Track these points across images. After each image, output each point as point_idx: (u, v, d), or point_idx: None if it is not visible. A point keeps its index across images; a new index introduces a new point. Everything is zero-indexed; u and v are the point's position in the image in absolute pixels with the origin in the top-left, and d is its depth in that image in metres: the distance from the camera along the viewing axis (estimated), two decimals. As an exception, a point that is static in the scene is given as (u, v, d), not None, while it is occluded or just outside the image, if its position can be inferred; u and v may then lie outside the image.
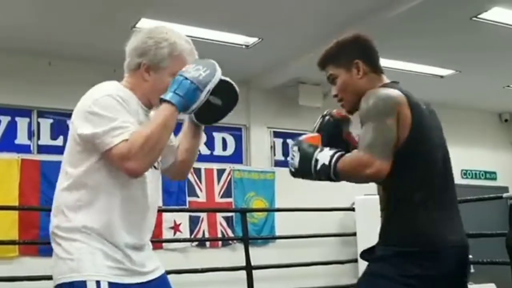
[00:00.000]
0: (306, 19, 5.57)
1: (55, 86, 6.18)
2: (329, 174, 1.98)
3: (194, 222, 6.81)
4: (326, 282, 6.95)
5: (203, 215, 6.86)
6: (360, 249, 7.66)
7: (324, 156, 1.99)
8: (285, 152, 7.67)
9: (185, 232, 6.76)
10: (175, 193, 6.73)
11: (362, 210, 6.95)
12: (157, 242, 6.56)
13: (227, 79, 2.08)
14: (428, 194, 2.01)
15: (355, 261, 6.89)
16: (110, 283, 1.78)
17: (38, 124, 6.27)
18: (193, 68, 1.89)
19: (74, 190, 1.85)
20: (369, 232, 7.15)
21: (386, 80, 2.18)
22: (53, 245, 1.88)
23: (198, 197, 6.95)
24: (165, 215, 6.67)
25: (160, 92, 1.88)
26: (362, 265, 7.31)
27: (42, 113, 6.30)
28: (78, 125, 1.83)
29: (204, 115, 2.10)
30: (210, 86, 1.87)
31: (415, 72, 7.14)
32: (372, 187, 8.34)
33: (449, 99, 8.42)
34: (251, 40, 6.05)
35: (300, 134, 8.00)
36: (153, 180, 1.96)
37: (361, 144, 1.96)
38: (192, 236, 6.79)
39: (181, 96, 1.82)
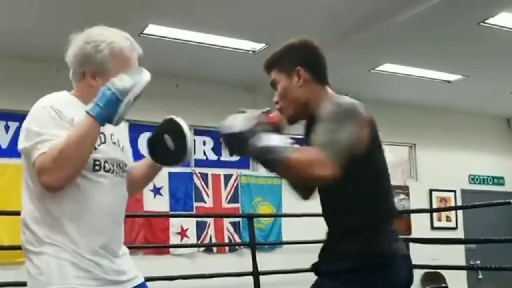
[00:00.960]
0: (313, 25, 5.57)
1: (63, 92, 6.23)
2: (275, 158, 1.75)
3: (201, 228, 6.82)
4: (334, 287, 6.93)
5: (210, 220, 6.87)
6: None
7: (274, 140, 1.78)
8: (292, 158, 7.66)
9: (192, 238, 6.76)
10: (182, 199, 6.74)
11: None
12: (164, 247, 6.59)
13: (181, 124, 1.99)
14: (380, 206, 1.96)
15: (363, 266, 6.86)
16: None
17: (46, 129, 6.30)
18: (118, 78, 1.81)
19: (35, 201, 1.87)
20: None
21: (331, 92, 2.06)
22: (26, 261, 1.87)
23: (205, 202, 6.95)
24: (172, 221, 6.68)
25: None
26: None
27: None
28: (19, 140, 1.89)
29: (160, 155, 2.09)
30: (130, 96, 1.78)
31: (423, 77, 7.13)
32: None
33: (456, 104, 8.41)
34: (258, 46, 6.06)
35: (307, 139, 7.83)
36: (112, 187, 1.90)
37: (320, 143, 1.80)
38: (199, 242, 6.79)
39: (101, 107, 1.75)
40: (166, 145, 2.00)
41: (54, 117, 1.81)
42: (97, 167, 1.85)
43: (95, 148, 1.84)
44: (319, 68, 2.07)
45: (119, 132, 2.00)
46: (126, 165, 1.99)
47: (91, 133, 1.77)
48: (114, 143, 1.96)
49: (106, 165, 1.88)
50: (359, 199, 1.93)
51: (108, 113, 1.76)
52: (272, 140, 1.78)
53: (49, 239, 1.81)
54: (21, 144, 1.86)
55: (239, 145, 1.80)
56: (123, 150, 2.01)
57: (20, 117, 6.39)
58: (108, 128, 1.88)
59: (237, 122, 1.79)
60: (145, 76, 1.85)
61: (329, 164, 1.76)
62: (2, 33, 5.51)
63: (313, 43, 2.11)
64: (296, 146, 1.85)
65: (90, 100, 1.82)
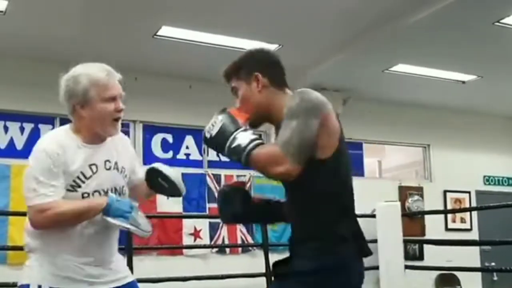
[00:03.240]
0: (326, 26, 5.57)
1: (77, 94, 6.27)
2: (240, 157, 1.91)
3: (214, 228, 6.82)
4: (347, 289, 6.90)
5: (218, 221, 6.86)
6: (381, 256, 7.59)
7: (243, 137, 1.91)
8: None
9: (205, 239, 6.77)
10: (195, 200, 6.75)
11: (383, 217, 6.90)
12: (178, 248, 6.60)
13: (164, 171, 2.31)
14: (339, 208, 1.96)
15: (376, 268, 6.84)
16: None
17: (61, 131, 6.34)
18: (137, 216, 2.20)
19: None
20: (390, 239, 7.14)
21: (290, 94, 2.08)
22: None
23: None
24: (185, 222, 6.70)
25: (99, 121, 2.17)
26: (383, 272, 7.20)
27: (64, 121, 6.32)
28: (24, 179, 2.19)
29: (161, 191, 2.40)
30: (131, 226, 2.16)
31: (437, 78, 7.09)
32: (393, 194, 8.26)
33: (471, 105, 8.35)
34: (272, 47, 6.05)
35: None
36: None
37: (280, 140, 1.87)
38: (212, 243, 6.80)
39: (114, 209, 2.11)
40: (162, 185, 2.33)
41: (55, 162, 2.11)
42: (85, 198, 2.16)
43: (83, 182, 2.15)
44: (277, 73, 2.11)
45: (116, 153, 2.27)
46: (123, 186, 2.28)
47: (92, 214, 2.11)
48: (109, 169, 2.22)
49: (96, 194, 2.17)
50: (317, 201, 1.94)
51: (113, 213, 2.11)
52: (241, 139, 1.91)
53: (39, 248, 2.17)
54: (24, 178, 2.17)
55: (216, 147, 2.00)
56: (122, 171, 2.28)
57: (35, 118, 6.40)
58: (101, 155, 2.20)
59: (215, 125, 1.98)
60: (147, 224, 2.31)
61: (285, 160, 1.84)
62: (15, 36, 5.56)
63: (270, 50, 2.20)
64: (261, 142, 1.93)
65: (87, 130, 2.19)
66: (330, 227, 1.93)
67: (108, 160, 2.22)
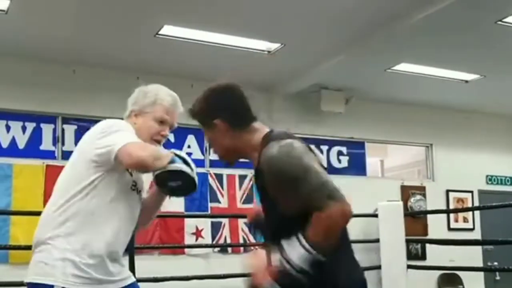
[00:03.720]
0: (328, 25, 5.55)
1: (79, 93, 6.27)
2: (315, 260, 1.75)
3: (216, 228, 6.82)
4: (349, 289, 6.89)
5: (225, 221, 6.87)
6: (383, 255, 7.59)
7: (294, 256, 1.75)
8: (307, 158, 7.64)
9: (207, 238, 6.76)
10: (197, 199, 6.75)
11: (385, 216, 6.89)
12: (179, 247, 6.60)
13: (192, 174, 2.31)
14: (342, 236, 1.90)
15: (378, 267, 6.82)
16: None
17: (63, 130, 6.35)
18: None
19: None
20: (392, 238, 7.13)
21: (265, 129, 2.02)
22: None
23: (220, 203, 6.96)
24: (187, 221, 6.69)
25: (143, 133, 2.32)
26: (385, 272, 7.21)
27: (66, 120, 6.38)
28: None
29: (173, 193, 2.42)
30: (186, 168, 2.27)
31: (440, 77, 7.07)
32: (395, 193, 8.25)
33: (473, 104, 8.33)
34: (273, 46, 6.05)
35: (322, 140, 7.94)
36: (136, 203, 2.33)
37: (313, 202, 1.74)
38: (214, 242, 6.79)
39: (177, 158, 2.27)
40: (175, 186, 2.31)
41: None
42: (133, 187, 2.31)
43: (131, 174, 2.29)
44: (237, 114, 2.01)
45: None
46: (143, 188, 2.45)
47: (168, 156, 2.27)
48: (133, 188, 2.37)
49: (136, 187, 2.34)
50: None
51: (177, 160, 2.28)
52: (294, 255, 1.76)
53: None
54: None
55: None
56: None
57: (37, 118, 6.39)
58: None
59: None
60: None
61: (336, 205, 1.72)
62: (17, 35, 5.56)
63: (227, 87, 2.06)
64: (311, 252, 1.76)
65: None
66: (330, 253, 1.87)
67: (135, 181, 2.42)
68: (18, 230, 5.64)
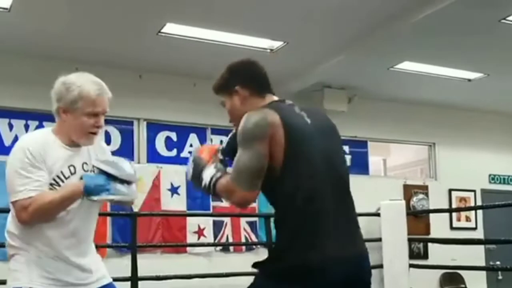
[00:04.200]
0: (331, 23, 5.54)
1: (81, 91, 6.26)
2: (210, 194, 2.19)
3: (218, 227, 6.82)
4: (351, 288, 6.88)
5: (227, 219, 6.86)
6: (385, 254, 7.57)
7: (206, 176, 2.15)
8: (310, 157, 7.63)
9: (209, 237, 6.76)
10: (199, 198, 6.74)
11: (387, 215, 6.88)
12: (182, 246, 6.60)
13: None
14: (308, 212, 1.99)
15: (380, 266, 6.81)
16: None
17: (65, 128, 6.34)
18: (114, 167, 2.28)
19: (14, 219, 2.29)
20: (394, 237, 7.12)
21: (272, 99, 2.22)
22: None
23: (222, 201, 6.94)
24: (190, 220, 6.69)
25: (76, 130, 2.29)
26: (387, 271, 7.17)
27: (68, 118, 6.36)
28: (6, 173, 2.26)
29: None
30: (113, 197, 2.23)
31: (442, 76, 7.06)
32: (398, 192, 8.23)
33: (476, 103, 8.31)
34: (276, 44, 6.04)
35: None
36: (79, 210, 2.28)
37: (231, 170, 2.07)
38: (216, 241, 6.79)
39: (93, 186, 2.20)
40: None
41: (32, 160, 2.19)
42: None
43: (63, 181, 2.25)
44: (256, 83, 2.25)
45: (94, 157, 2.37)
46: None
47: (75, 198, 2.21)
48: (87, 171, 2.33)
49: None
50: (284, 210, 2.04)
51: (93, 193, 2.20)
52: (205, 179, 2.15)
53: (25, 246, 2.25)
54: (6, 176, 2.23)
55: (195, 186, 2.24)
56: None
57: (40, 116, 6.40)
58: (80, 158, 2.32)
59: (188, 170, 2.25)
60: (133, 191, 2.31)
61: (238, 190, 2.01)
62: (20, 33, 5.56)
63: (248, 60, 2.34)
64: (219, 175, 2.13)
65: (65, 133, 2.30)
66: (298, 233, 1.98)
67: (85, 163, 2.34)
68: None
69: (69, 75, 2.36)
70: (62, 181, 2.25)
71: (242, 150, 2.01)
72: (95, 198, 2.20)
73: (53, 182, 2.23)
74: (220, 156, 2.24)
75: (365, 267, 2.14)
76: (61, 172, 2.25)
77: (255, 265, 2.10)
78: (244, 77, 2.25)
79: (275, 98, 2.24)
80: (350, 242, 2.06)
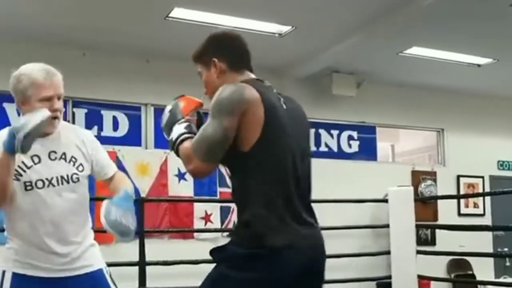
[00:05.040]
0: (340, 7, 5.49)
1: (89, 76, 6.24)
2: (173, 150, 2.14)
3: (225, 213, 6.83)
4: (358, 274, 6.90)
5: (234, 205, 6.86)
6: (393, 240, 7.60)
7: (176, 131, 2.13)
8: (317, 143, 7.61)
9: (216, 223, 6.78)
10: (206, 184, 6.74)
11: (395, 201, 6.87)
12: (189, 232, 6.62)
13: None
14: (274, 197, 1.97)
15: (388, 253, 6.82)
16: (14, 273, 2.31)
17: (73, 114, 6.34)
18: (17, 119, 2.26)
19: None
20: (402, 224, 7.12)
21: (249, 77, 2.16)
22: None
23: (229, 187, 6.94)
24: (197, 206, 6.70)
25: None
26: (395, 257, 7.20)
27: (77, 103, 6.37)
28: None
29: None
30: (21, 133, 2.13)
31: (452, 61, 6.99)
32: (406, 178, 8.21)
33: (486, 88, 8.25)
34: (284, 29, 6.00)
35: (333, 124, 7.90)
36: (52, 198, 2.33)
37: (195, 137, 2.03)
38: (223, 226, 6.80)
39: (7, 141, 2.16)
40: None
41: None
42: (28, 187, 2.31)
43: (24, 171, 2.30)
44: (235, 57, 2.18)
45: (65, 144, 2.41)
46: (72, 175, 2.40)
47: (4, 161, 2.19)
48: (54, 159, 2.37)
49: (39, 183, 2.32)
50: (249, 191, 1.99)
51: (10, 144, 2.14)
52: (174, 132, 2.13)
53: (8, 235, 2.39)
54: None
55: (165, 134, 2.23)
56: (71, 161, 2.41)
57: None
58: (46, 147, 2.35)
59: (164, 115, 2.23)
60: (39, 116, 2.19)
61: (194, 159, 1.98)
62: (31, 20, 5.54)
63: (231, 33, 2.27)
64: (187, 137, 2.10)
65: None
66: (261, 216, 1.95)
67: (53, 151, 2.37)
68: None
69: (20, 68, 2.39)
70: (24, 171, 2.30)
71: (210, 119, 1.98)
72: (16, 145, 2.15)
73: (15, 172, 2.26)
74: (195, 116, 2.22)
75: (323, 257, 2.14)
76: (22, 162, 2.29)
77: (212, 251, 2.05)
78: (223, 49, 2.18)
79: (253, 76, 2.18)
80: (312, 230, 2.08)
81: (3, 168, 2.19)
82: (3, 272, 2.31)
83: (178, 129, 2.13)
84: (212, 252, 2.06)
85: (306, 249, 2.00)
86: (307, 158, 2.15)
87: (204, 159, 1.97)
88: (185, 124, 2.15)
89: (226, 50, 2.18)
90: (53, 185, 2.35)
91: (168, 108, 2.24)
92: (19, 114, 2.48)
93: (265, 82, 2.15)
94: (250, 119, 1.95)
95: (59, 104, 2.36)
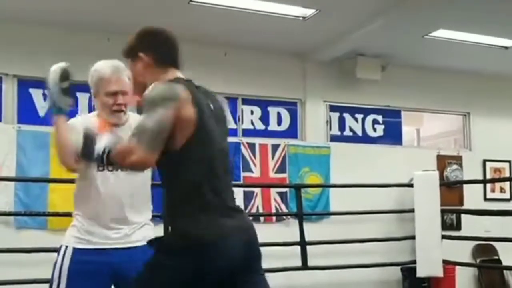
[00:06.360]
0: (364, -10, 5.42)
1: (113, 61, 6.28)
2: (103, 162, 2.14)
3: (248, 198, 6.84)
4: (382, 259, 6.88)
5: (257, 190, 6.87)
6: (418, 225, 7.56)
7: (98, 148, 2.11)
8: (341, 127, 7.57)
9: (239, 207, 6.80)
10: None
11: (421, 186, 6.82)
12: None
13: None
14: (204, 193, 2.07)
15: (413, 238, 6.78)
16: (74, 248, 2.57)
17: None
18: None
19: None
20: (427, 208, 7.07)
21: (176, 75, 2.22)
22: None
23: (252, 172, 6.96)
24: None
25: (103, 110, 2.66)
26: (419, 242, 7.16)
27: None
28: None
29: None
30: (49, 86, 2.55)
31: (479, 43, 6.87)
32: (431, 163, 8.12)
33: (514, 72, 8.10)
34: (309, 12, 5.94)
35: (357, 108, 7.85)
36: (116, 180, 2.58)
37: (132, 132, 2.04)
38: (247, 211, 6.81)
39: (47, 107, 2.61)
40: None
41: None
42: (100, 168, 2.55)
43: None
44: (162, 53, 2.24)
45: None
46: None
47: (56, 125, 2.59)
48: None
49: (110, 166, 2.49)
50: (178, 188, 2.10)
51: (53, 104, 2.62)
52: (97, 150, 2.11)
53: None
54: None
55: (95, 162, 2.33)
56: None
57: (73, 87, 6.43)
58: (121, 135, 2.42)
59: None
60: (52, 72, 2.57)
61: (136, 150, 1.98)
62: (55, 4, 5.58)
63: (161, 29, 2.33)
64: (115, 142, 2.12)
65: (104, 116, 2.66)
66: (191, 210, 2.06)
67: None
68: (57, 197, 5.75)
69: (95, 65, 2.69)
70: None
71: (145, 114, 2.01)
72: (51, 100, 2.59)
73: None
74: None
75: (253, 241, 2.24)
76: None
77: (150, 242, 2.15)
78: (150, 45, 2.24)
79: (180, 75, 2.23)
80: (240, 221, 2.19)
81: (57, 129, 2.56)
82: (66, 247, 2.57)
83: (100, 145, 2.12)
84: (151, 242, 2.16)
85: (237, 239, 2.10)
86: (228, 156, 2.27)
87: (148, 149, 1.99)
88: (106, 137, 2.16)
89: (153, 46, 2.24)
90: (121, 168, 2.52)
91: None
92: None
93: (192, 81, 2.22)
94: (182, 117, 2.01)
95: (122, 100, 2.61)
